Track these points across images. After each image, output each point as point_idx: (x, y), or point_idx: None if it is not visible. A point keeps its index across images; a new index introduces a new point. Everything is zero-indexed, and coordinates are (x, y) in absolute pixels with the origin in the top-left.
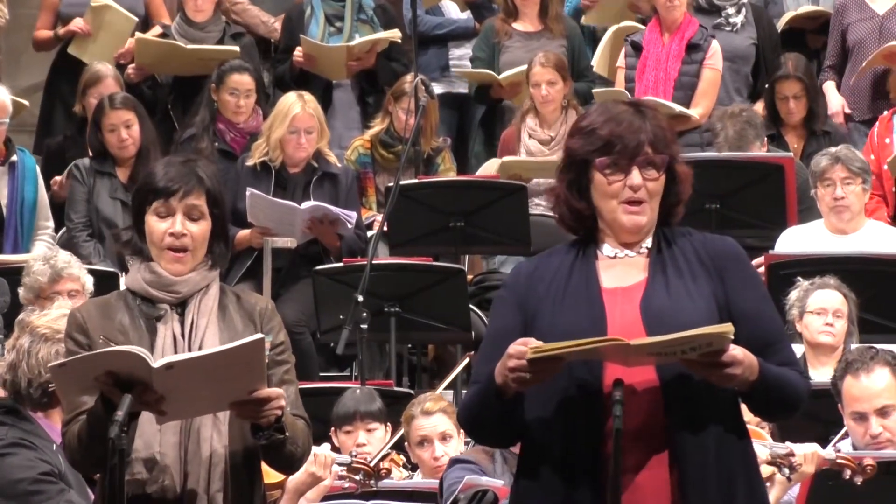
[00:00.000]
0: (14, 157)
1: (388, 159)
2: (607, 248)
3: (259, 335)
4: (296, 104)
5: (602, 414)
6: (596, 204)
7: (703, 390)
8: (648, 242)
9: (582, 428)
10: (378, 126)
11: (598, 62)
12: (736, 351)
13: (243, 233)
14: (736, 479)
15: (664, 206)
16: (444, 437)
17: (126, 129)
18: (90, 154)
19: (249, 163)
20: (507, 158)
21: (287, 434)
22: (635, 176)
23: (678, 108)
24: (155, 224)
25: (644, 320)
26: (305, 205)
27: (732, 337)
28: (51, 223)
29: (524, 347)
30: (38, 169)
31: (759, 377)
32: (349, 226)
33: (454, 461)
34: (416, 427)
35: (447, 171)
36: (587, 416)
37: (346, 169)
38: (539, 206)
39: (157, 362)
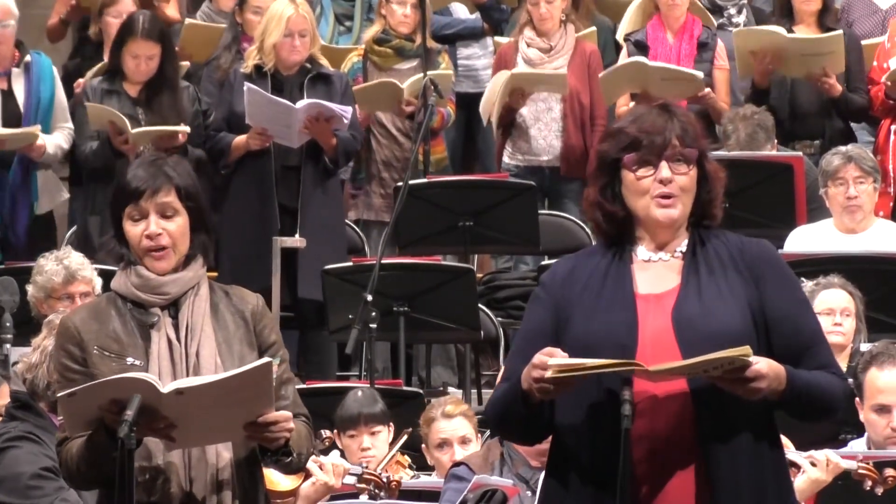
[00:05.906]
0: (28, 58)
1: (383, 53)
2: (642, 252)
3: (266, 359)
4: (288, 7)
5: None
6: (629, 204)
7: (734, 398)
8: (683, 246)
9: (609, 432)
10: (373, 29)
11: (622, 35)
12: (760, 365)
13: (240, 138)
14: (767, 488)
15: (697, 206)
16: (463, 441)
17: (147, 61)
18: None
19: (243, 70)
20: (516, 70)
21: (293, 456)
22: (664, 170)
23: (684, 69)
24: (131, 229)
25: (675, 329)
26: (301, 103)
27: (751, 358)
28: (70, 125)
29: (548, 359)
30: (55, 70)
31: (787, 386)
32: (345, 120)
33: (452, 476)
34: (437, 430)
35: (447, 75)
36: (614, 421)
37: (340, 73)
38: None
39: (166, 388)
